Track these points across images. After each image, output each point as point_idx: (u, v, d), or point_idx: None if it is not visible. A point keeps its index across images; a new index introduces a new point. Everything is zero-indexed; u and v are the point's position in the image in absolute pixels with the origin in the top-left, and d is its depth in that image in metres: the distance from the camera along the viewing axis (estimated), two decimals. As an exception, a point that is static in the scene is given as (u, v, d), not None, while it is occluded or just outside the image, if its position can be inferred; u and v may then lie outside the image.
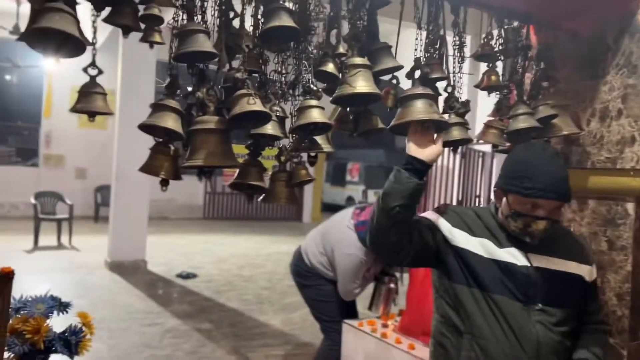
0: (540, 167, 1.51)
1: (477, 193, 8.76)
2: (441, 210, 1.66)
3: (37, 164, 12.03)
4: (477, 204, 8.76)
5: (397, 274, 3.22)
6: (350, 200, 17.73)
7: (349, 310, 3.23)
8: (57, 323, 2.24)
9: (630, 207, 1.89)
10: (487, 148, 8.54)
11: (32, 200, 8.80)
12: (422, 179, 1.50)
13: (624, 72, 1.92)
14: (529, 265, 1.58)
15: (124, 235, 7.05)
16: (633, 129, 1.87)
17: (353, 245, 2.94)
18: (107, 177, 8.48)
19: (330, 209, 18.37)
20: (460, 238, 1.60)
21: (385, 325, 3.07)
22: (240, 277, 7.02)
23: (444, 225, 1.62)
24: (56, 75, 11.35)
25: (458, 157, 8.84)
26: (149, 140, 1.44)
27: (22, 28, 1.36)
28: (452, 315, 1.63)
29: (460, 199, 8.80)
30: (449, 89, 1.83)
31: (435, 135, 1.54)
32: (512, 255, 1.58)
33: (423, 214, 1.68)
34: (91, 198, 12.03)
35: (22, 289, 1.79)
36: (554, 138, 2.05)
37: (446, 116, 1.80)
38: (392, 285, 3.18)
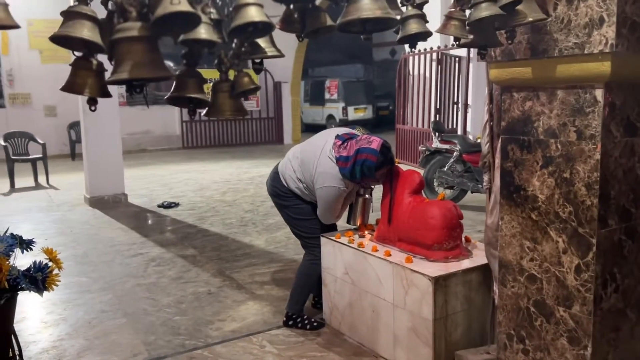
0: None
1: (455, 100, 8.64)
2: None
3: (4, 105, 11.59)
4: (455, 111, 8.67)
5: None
6: (331, 119, 17.54)
7: (329, 225, 3.22)
8: (28, 262, 2.18)
9: (599, 93, 1.82)
10: (462, 53, 8.32)
11: (2, 142, 8.56)
12: None
13: (592, -53, 1.76)
14: None
15: (101, 170, 6.93)
16: (601, 9, 1.75)
17: (335, 177, 2.89)
18: (78, 113, 8.18)
19: (311, 129, 18.26)
20: None
21: (362, 236, 3.08)
22: (222, 203, 7.01)
23: None
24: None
25: (434, 63, 8.63)
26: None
27: None
28: None
29: (437, 106, 8.70)
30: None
31: None
32: None
33: None
34: (65, 135, 11.77)
35: (3, 231, 1.72)
36: (519, 27, 1.92)
37: (404, 9, 1.66)
38: (367, 197, 3.17)
